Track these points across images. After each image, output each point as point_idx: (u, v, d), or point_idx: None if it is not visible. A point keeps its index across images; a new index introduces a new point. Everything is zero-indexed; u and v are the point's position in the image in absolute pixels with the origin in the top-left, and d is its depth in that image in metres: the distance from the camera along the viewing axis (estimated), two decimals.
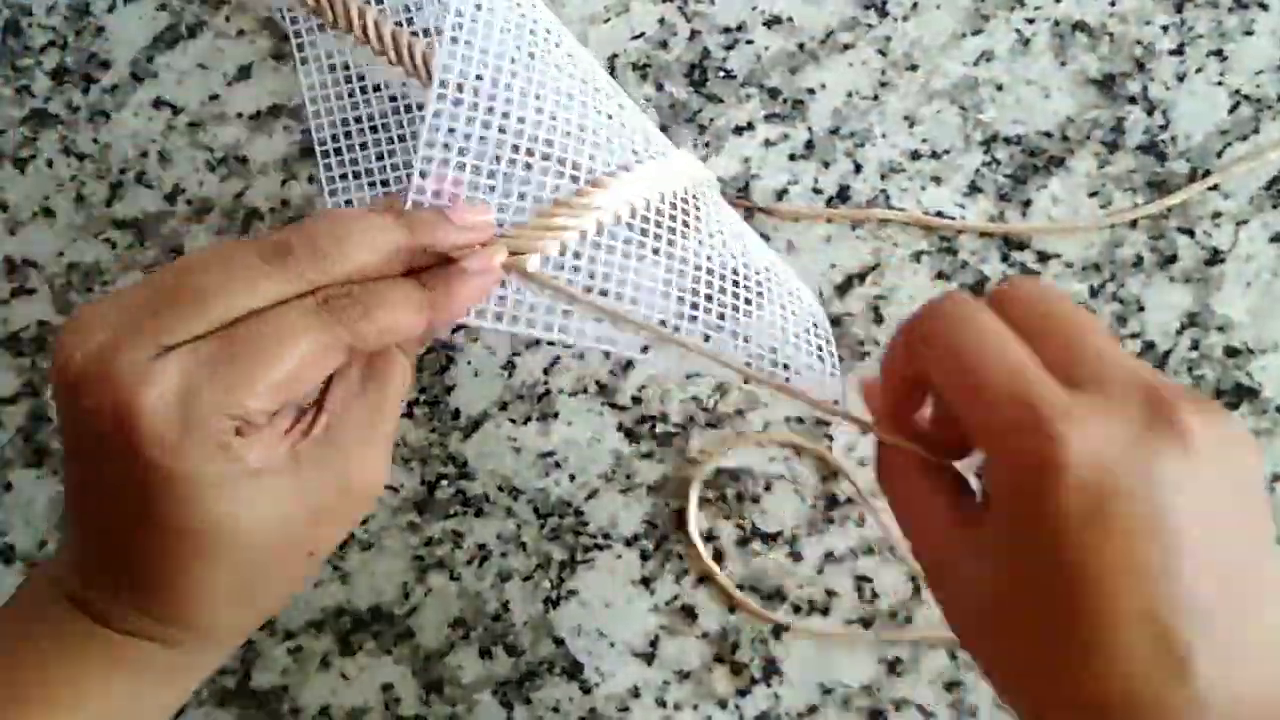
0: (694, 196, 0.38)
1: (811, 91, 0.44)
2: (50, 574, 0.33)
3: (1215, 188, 0.44)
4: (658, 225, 0.37)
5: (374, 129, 0.44)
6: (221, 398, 0.29)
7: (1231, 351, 0.44)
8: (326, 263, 0.31)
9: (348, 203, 0.44)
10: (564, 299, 0.36)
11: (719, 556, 0.43)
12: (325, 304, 0.31)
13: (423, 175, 0.33)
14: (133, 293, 0.30)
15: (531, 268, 0.34)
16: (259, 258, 0.30)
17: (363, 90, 0.44)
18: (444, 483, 0.44)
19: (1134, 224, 0.44)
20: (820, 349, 0.40)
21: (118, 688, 0.33)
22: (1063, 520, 0.28)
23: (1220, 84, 0.44)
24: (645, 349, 0.39)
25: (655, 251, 0.37)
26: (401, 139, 0.44)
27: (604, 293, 0.36)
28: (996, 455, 0.29)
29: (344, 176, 0.44)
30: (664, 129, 0.44)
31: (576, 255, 0.36)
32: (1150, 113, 0.44)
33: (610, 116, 0.37)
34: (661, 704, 0.43)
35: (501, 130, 0.35)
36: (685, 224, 0.38)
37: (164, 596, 0.31)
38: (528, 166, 0.36)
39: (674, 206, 0.38)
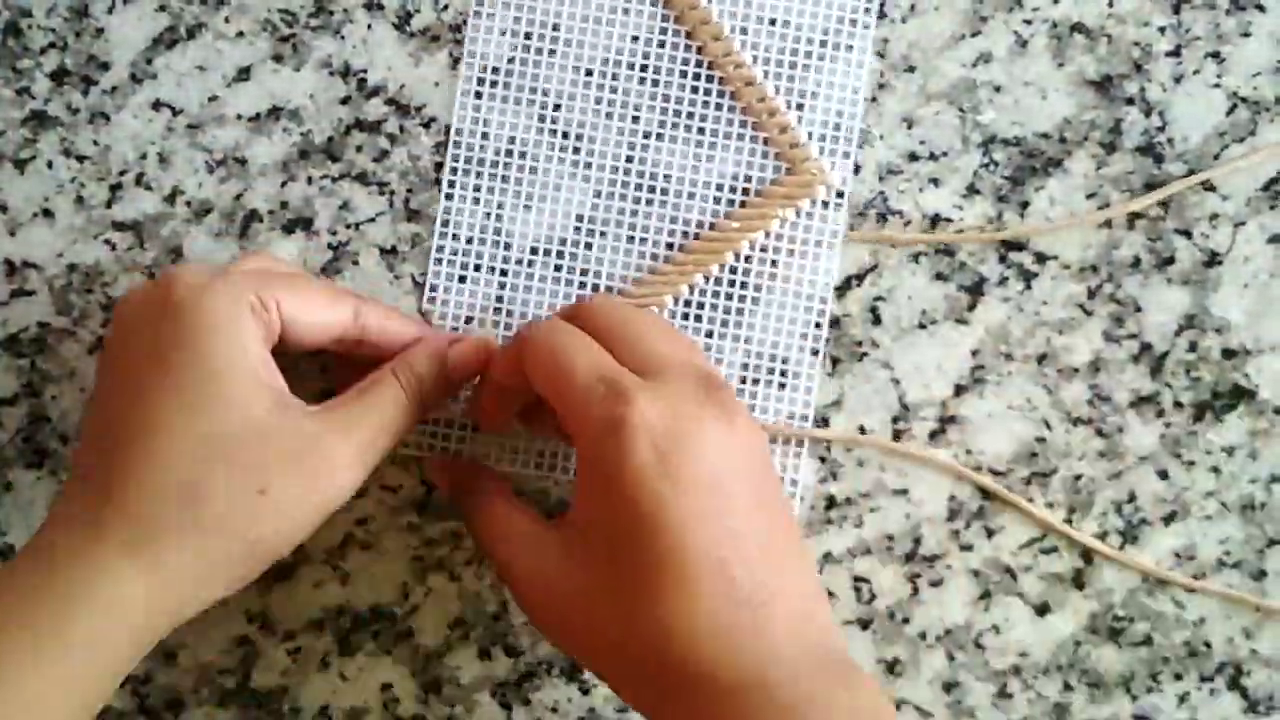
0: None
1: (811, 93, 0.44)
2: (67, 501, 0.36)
3: (1211, 187, 0.44)
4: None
5: (375, 130, 0.44)
6: (253, 284, 0.36)
7: (1229, 353, 0.44)
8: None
9: (356, 205, 0.44)
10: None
11: None
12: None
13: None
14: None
15: None
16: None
17: (360, 87, 0.44)
18: None
19: (1131, 225, 0.44)
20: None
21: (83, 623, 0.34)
22: (638, 472, 0.33)
23: (1218, 86, 0.44)
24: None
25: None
26: (393, 139, 0.44)
27: None
28: (582, 427, 0.35)
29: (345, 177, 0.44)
30: (785, 279, 0.43)
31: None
32: (1148, 114, 0.44)
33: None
34: None
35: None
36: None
37: (125, 456, 0.35)
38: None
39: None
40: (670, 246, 0.43)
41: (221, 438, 0.35)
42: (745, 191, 0.43)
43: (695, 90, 0.43)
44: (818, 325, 0.44)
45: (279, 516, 0.35)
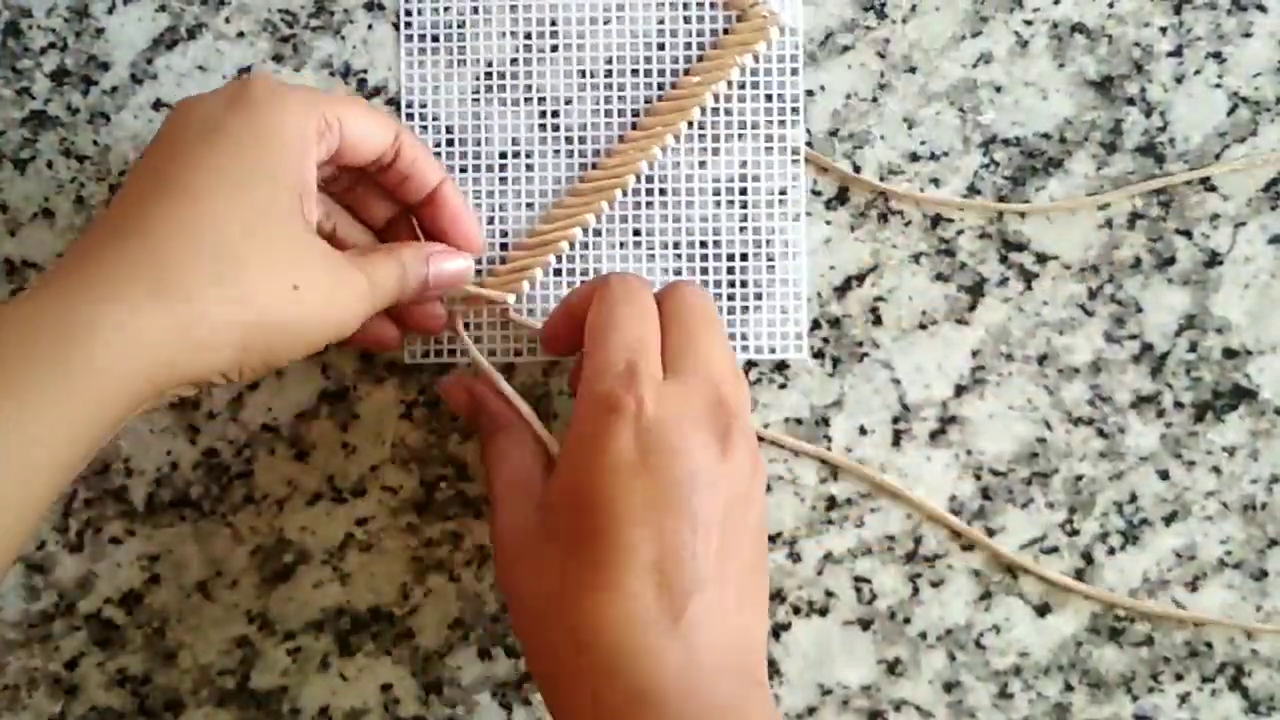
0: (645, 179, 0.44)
1: (810, 93, 0.44)
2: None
3: (1210, 185, 0.44)
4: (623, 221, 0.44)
5: None
6: (322, 103, 0.37)
7: (1230, 353, 0.44)
8: None
9: None
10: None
11: None
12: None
13: None
14: None
15: (510, 303, 0.43)
16: None
17: (360, 87, 0.44)
18: (443, 484, 0.44)
19: (1132, 225, 0.44)
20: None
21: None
22: (614, 457, 0.34)
23: (1218, 86, 0.44)
24: None
25: (626, 246, 0.44)
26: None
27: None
28: (586, 391, 0.35)
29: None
30: (754, 127, 0.44)
31: (544, 286, 0.43)
32: (1148, 114, 0.44)
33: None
34: None
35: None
36: (649, 204, 0.44)
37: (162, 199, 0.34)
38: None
39: (632, 204, 0.44)
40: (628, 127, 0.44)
41: (267, 220, 0.35)
42: (701, 47, 0.44)
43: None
44: (794, 159, 0.44)
45: (302, 315, 0.35)
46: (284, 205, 0.35)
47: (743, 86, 0.44)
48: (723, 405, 0.36)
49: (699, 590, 0.34)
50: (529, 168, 0.44)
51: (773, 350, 0.43)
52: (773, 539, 0.44)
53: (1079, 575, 0.43)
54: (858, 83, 0.44)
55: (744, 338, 0.44)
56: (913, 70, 0.44)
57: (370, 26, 0.44)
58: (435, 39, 0.44)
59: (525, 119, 0.44)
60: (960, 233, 0.44)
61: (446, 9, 0.44)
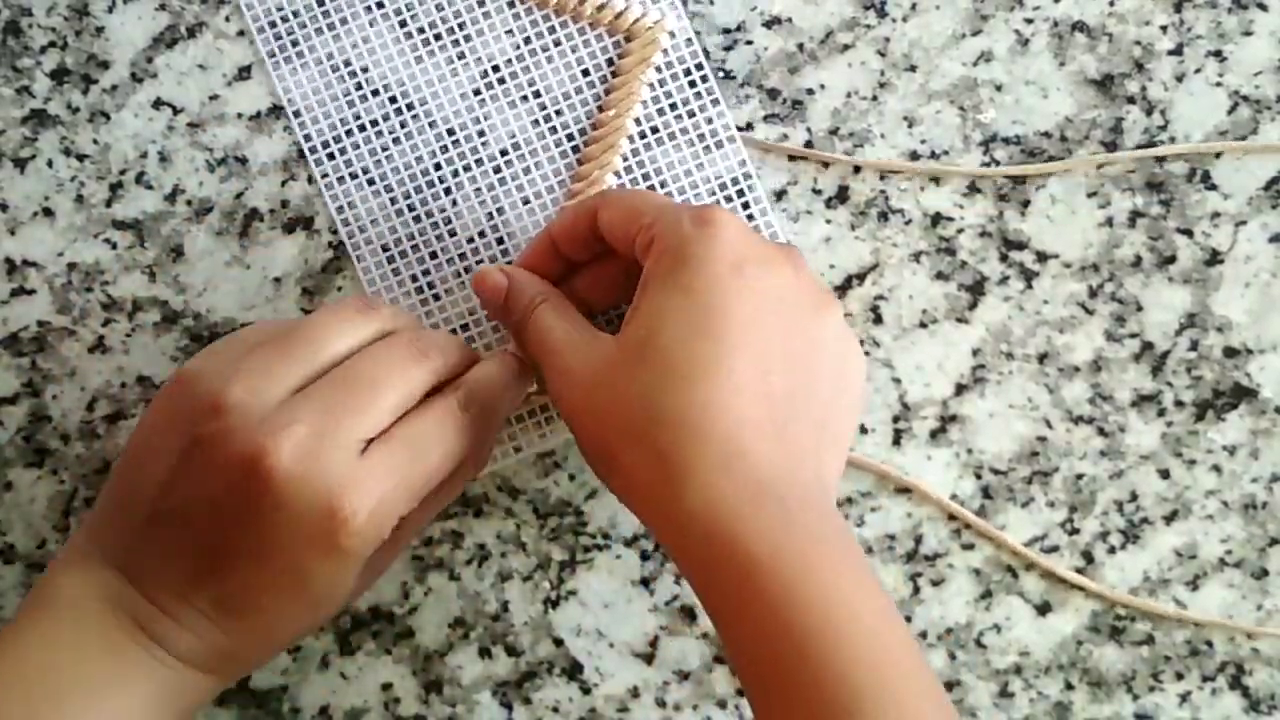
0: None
1: (811, 92, 0.44)
2: (96, 580, 0.35)
3: (1211, 185, 0.44)
4: None
5: (362, 128, 0.44)
6: (346, 423, 0.34)
7: (1230, 352, 0.44)
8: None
9: (350, 204, 0.44)
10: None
11: None
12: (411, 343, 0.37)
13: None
14: (255, 342, 0.36)
15: None
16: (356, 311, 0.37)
17: (358, 88, 0.44)
18: None
19: (1133, 223, 0.44)
20: None
21: (135, 702, 0.34)
22: (717, 259, 0.35)
23: (1219, 84, 0.44)
24: None
25: None
26: (396, 140, 0.44)
27: None
28: (665, 228, 0.36)
29: (341, 179, 0.44)
30: (684, 132, 0.44)
31: None
32: (1149, 113, 0.44)
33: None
34: (661, 704, 0.43)
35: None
36: None
37: (240, 629, 0.35)
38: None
39: None
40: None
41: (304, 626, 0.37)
42: (605, 80, 0.44)
43: (519, 25, 0.44)
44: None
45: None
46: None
47: (662, 111, 0.44)
48: (779, 242, 0.39)
49: (798, 387, 0.36)
50: (527, 170, 0.44)
51: None
52: None
53: (1080, 574, 0.43)
54: (858, 81, 0.44)
55: None
56: (913, 69, 0.44)
57: (370, 26, 0.44)
58: (436, 38, 0.44)
59: (525, 118, 0.44)
60: (960, 231, 0.44)
61: (440, 8, 0.44)
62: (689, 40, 0.44)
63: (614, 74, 0.44)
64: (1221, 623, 0.43)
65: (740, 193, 0.44)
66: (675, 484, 0.34)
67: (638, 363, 0.35)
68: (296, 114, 0.44)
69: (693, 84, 0.44)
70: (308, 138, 0.44)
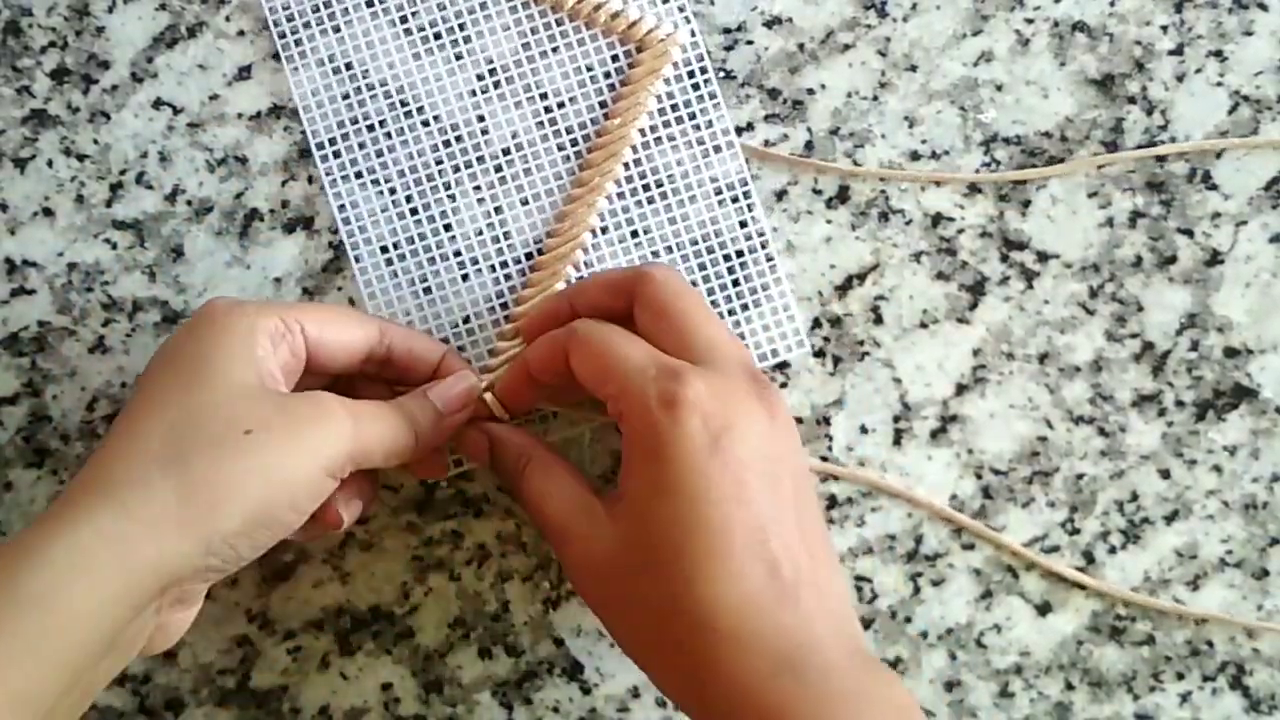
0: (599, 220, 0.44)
1: (811, 92, 0.44)
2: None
3: (1211, 185, 0.44)
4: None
5: (370, 128, 0.44)
6: (278, 309, 0.37)
7: (1231, 352, 0.44)
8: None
9: (352, 203, 0.44)
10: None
11: None
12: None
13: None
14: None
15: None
16: None
17: (357, 91, 0.44)
18: (443, 483, 0.44)
19: (1133, 223, 0.44)
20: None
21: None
22: (690, 448, 0.34)
23: (1220, 84, 0.44)
24: None
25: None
26: (402, 137, 0.44)
27: None
28: (635, 406, 0.35)
29: (345, 178, 0.44)
30: (688, 145, 0.44)
31: None
32: (1149, 113, 0.44)
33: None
34: (661, 704, 0.43)
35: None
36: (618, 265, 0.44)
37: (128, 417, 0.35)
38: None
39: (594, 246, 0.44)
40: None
41: (207, 404, 0.35)
42: (612, 88, 0.44)
43: (528, 26, 0.44)
44: (739, 178, 0.44)
45: (261, 458, 0.34)
46: (234, 391, 0.35)
47: (664, 112, 0.44)
48: (754, 373, 0.37)
49: (799, 548, 0.35)
50: (528, 170, 0.44)
51: (774, 354, 0.43)
52: None
53: (1080, 573, 0.43)
54: (858, 81, 0.44)
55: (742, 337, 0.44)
56: (913, 69, 0.44)
57: (370, 25, 0.44)
58: (436, 38, 0.44)
59: (526, 118, 0.44)
60: (961, 231, 0.44)
61: (442, 8, 0.44)
62: (699, 54, 0.44)
63: (623, 83, 0.44)
64: (1222, 617, 0.43)
65: (734, 198, 0.44)
66: (697, 679, 0.34)
67: (637, 567, 0.35)
68: (297, 113, 0.44)
69: (696, 88, 0.44)
70: (315, 134, 0.44)
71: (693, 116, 0.44)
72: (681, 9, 0.44)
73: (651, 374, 0.36)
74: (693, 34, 0.44)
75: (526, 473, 0.39)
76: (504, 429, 0.41)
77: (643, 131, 0.44)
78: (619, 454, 0.42)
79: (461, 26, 0.44)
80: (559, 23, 0.44)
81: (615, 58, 0.44)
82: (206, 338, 0.36)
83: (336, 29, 0.44)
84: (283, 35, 0.44)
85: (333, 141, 0.44)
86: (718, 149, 0.44)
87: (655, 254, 0.44)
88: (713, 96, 0.44)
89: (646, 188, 0.44)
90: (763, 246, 0.43)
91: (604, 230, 0.44)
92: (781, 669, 0.33)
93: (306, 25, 0.44)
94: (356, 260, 0.44)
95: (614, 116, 0.43)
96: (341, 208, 0.44)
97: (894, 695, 0.34)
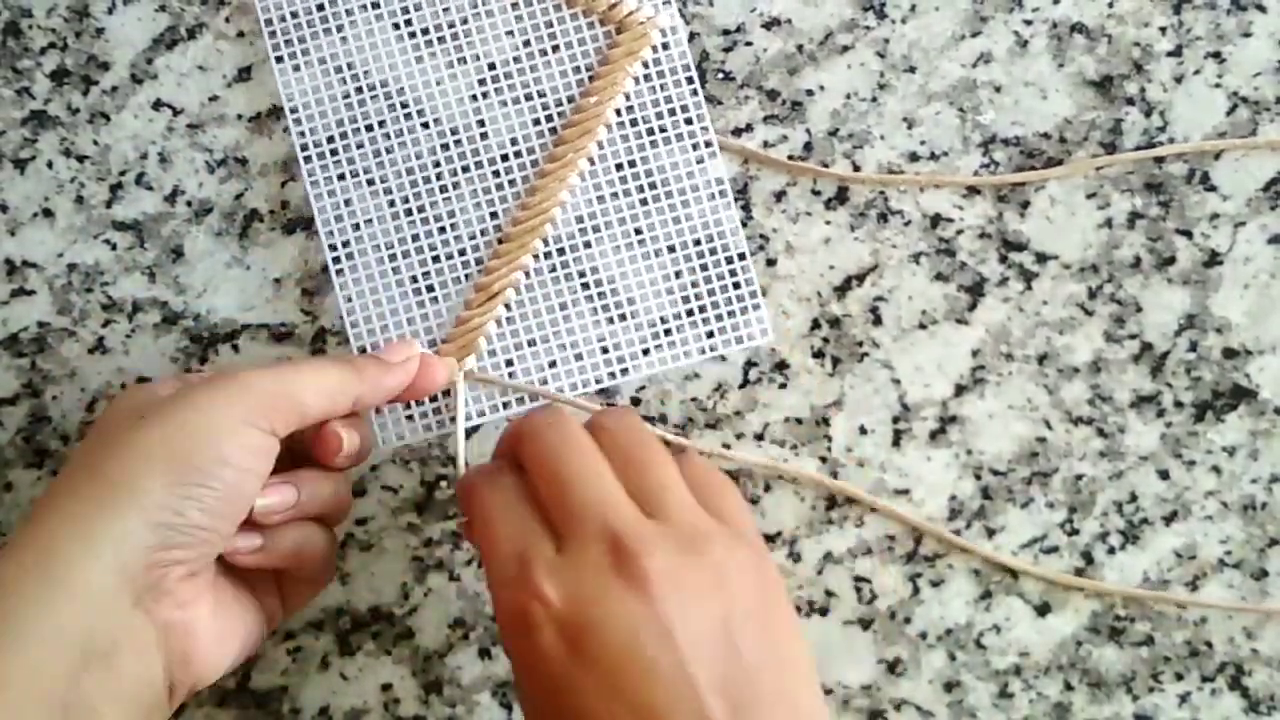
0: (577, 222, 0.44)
1: (810, 93, 0.44)
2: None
3: (1210, 186, 0.44)
4: (561, 259, 0.44)
5: (369, 128, 0.44)
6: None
7: (1230, 353, 0.44)
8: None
9: (346, 202, 0.44)
10: (508, 389, 0.43)
11: None
12: None
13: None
14: None
15: (469, 366, 0.43)
16: None
17: (357, 90, 0.44)
18: (443, 483, 0.44)
19: (1132, 224, 0.44)
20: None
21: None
22: (549, 665, 0.32)
23: (1218, 86, 0.44)
24: (645, 351, 0.41)
25: (572, 278, 0.44)
26: (395, 139, 0.44)
27: (545, 340, 0.43)
28: (496, 606, 0.34)
29: (341, 177, 0.44)
30: (662, 130, 0.44)
31: (500, 336, 0.43)
32: (1148, 114, 0.44)
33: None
34: None
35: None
36: (586, 244, 0.44)
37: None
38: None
39: (568, 236, 0.44)
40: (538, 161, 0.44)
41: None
42: (589, 68, 0.44)
43: (528, 24, 0.44)
44: (710, 152, 0.44)
45: (166, 433, 0.35)
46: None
47: (640, 95, 0.44)
48: (615, 544, 0.33)
49: (741, 697, 0.32)
50: (527, 170, 0.44)
51: (739, 340, 0.44)
52: (773, 539, 0.44)
53: (1079, 575, 0.43)
54: (857, 82, 0.44)
55: (709, 335, 0.44)
56: (912, 70, 0.44)
57: (370, 26, 0.44)
58: (437, 39, 0.44)
59: (525, 118, 0.44)
60: (960, 232, 0.44)
61: (446, 9, 0.44)
62: (679, 44, 0.44)
63: (600, 63, 0.44)
64: (1223, 605, 0.43)
65: (712, 195, 0.44)
66: None
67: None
68: (294, 112, 0.44)
69: (678, 84, 0.44)
70: (302, 135, 0.44)
71: (673, 114, 0.44)
72: None
73: (511, 573, 0.34)
74: (673, 17, 0.44)
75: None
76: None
77: (619, 113, 0.44)
78: None
79: (462, 23, 0.44)
80: (547, 11, 0.44)
81: (595, 38, 0.44)
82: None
83: (328, 30, 0.44)
84: (274, 35, 0.44)
85: (330, 140, 0.44)
86: (695, 147, 0.44)
87: (616, 242, 0.44)
88: (695, 94, 0.44)
89: (619, 167, 0.44)
90: (733, 234, 0.43)
91: (569, 215, 0.44)
92: None
93: (310, 25, 0.44)
94: (336, 262, 0.44)
95: (590, 94, 0.44)
96: (322, 209, 0.44)
97: None
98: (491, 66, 0.44)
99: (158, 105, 0.44)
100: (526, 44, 0.44)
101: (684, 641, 0.32)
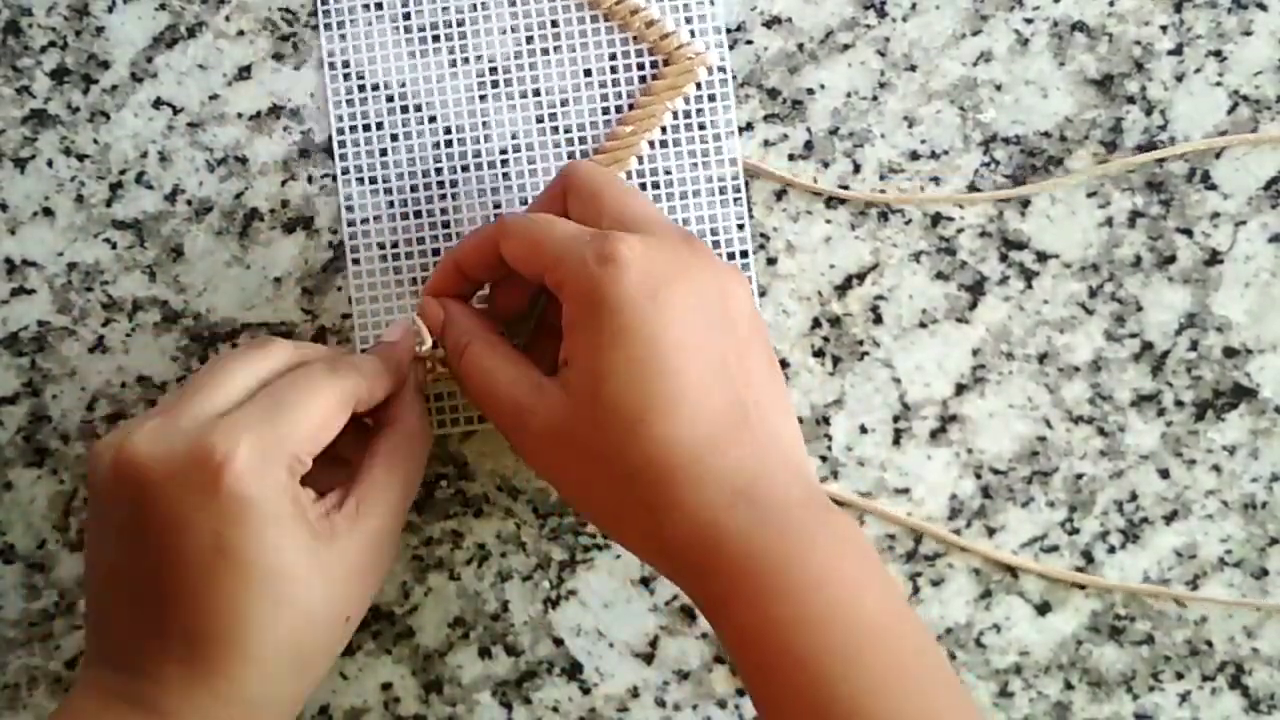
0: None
1: (811, 92, 0.44)
2: (96, 682, 0.34)
3: (1211, 185, 0.44)
4: None
5: (367, 128, 0.44)
6: (285, 436, 0.34)
7: (1230, 352, 0.44)
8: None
9: (349, 204, 0.44)
10: None
11: None
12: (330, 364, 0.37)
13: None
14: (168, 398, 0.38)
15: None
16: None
17: (360, 90, 0.44)
18: (443, 483, 0.44)
19: (1132, 223, 0.44)
20: None
21: None
22: (632, 300, 0.35)
23: (1219, 84, 0.44)
24: None
25: None
26: (396, 139, 0.44)
27: None
28: (571, 271, 0.36)
29: (343, 175, 0.44)
30: (690, 156, 0.44)
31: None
32: (1149, 113, 0.44)
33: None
34: (661, 704, 0.43)
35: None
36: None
37: (224, 657, 0.33)
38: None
39: None
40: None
41: (297, 637, 0.35)
42: (630, 95, 0.44)
43: (555, 16, 0.44)
44: (736, 196, 0.44)
45: (360, 615, 0.37)
46: (305, 616, 0.35)
47: (677, 129, 0.44)
48: (687, 235, 0.37)
49: (746, 391, 0.36)
50: (528, 170, 0.44)
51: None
52: None
53: (1079, 573, 0.43)
54: (858, 81, 0.44)
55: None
56: (913, 69, 0.44)
57: (370, 25, 0.44)
58: (436, 38, 0.44)
59: (525, 117, 0.44)
60: (960, 231, 0.44)
61: (445, 8, 0.44)
62: (724, 80, 0.44)
63: (643, 93, 0.44)
64: (1222, 600, 0.43)
65: (712, 194, 0.44)
66: (656, 520, 0.35)
67: (591, 421, 0.35)
68: (297, 113, 0.44)
69: (714, 125, 0.44)
70: (340, 130, 0.44)
71: (704, 140, 0.44)
72: (718, 30, 0.44)
73: (586, 239, 0.36)
74: (722, 59, 0.44)
75: (468, 353, 0.38)
76: (457, 308, 0.40)
77: (651, 144, 0.43)
78: None
79: (462, 23, 0.44)
80: (567, 22, 0.44)
81: (642, 65, 0.44)
82: (258, 534, 0.34)
83: (330, 27, 0.44)
84: (284, 37, 0.44)
85: (342, 144, 0.44)
86: (720, 164, 0.43)
87: None
88: (729, 124, 0.44)
89: (643, 188, 0.44)
90: (737, 230, 0.43)
91: None
92: (737, 500, 0.34)
93: (307, 24, 0.44)
94: (354, 261, 0.44)
95: (627, 124, 0.43)
96: (350, 208, 0.44)
97: (848, 528, 0.35)
98: (496, 68, 0.44)
99: (158, 104, 0.44)
100: (587, 73, 0.44)
101: (740, 318, 0.37)
